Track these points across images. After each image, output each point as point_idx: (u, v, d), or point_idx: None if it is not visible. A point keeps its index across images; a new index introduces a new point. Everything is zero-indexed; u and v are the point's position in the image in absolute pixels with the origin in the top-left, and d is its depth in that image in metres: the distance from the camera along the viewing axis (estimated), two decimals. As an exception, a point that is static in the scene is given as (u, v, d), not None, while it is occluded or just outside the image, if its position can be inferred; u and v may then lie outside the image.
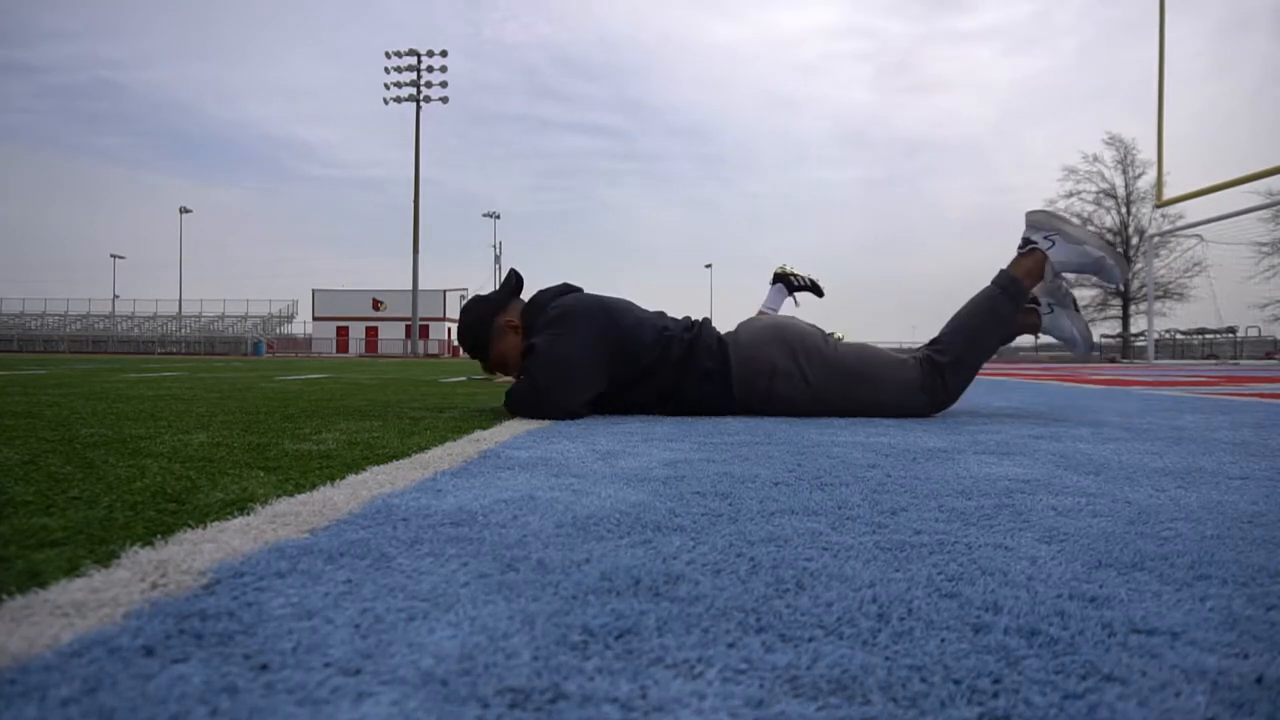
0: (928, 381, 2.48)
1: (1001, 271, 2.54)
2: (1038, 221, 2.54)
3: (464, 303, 2.68)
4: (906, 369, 2.50)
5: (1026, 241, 2.53)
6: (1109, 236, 35.88)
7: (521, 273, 2.66)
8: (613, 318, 2.45)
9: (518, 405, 2.38)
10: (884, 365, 2.52)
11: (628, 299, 2.63)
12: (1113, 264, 2.49)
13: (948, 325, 2.56)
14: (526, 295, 2.66)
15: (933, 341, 2.57)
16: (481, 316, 2.57)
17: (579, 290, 2.63)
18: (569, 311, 2.42)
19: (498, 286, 2.66)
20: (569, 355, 2.35)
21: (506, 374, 2.61)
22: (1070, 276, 2.62)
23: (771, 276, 3.30)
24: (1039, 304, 2.63)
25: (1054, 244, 2.49)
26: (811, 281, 3.25)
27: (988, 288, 2.53)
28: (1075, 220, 2.35)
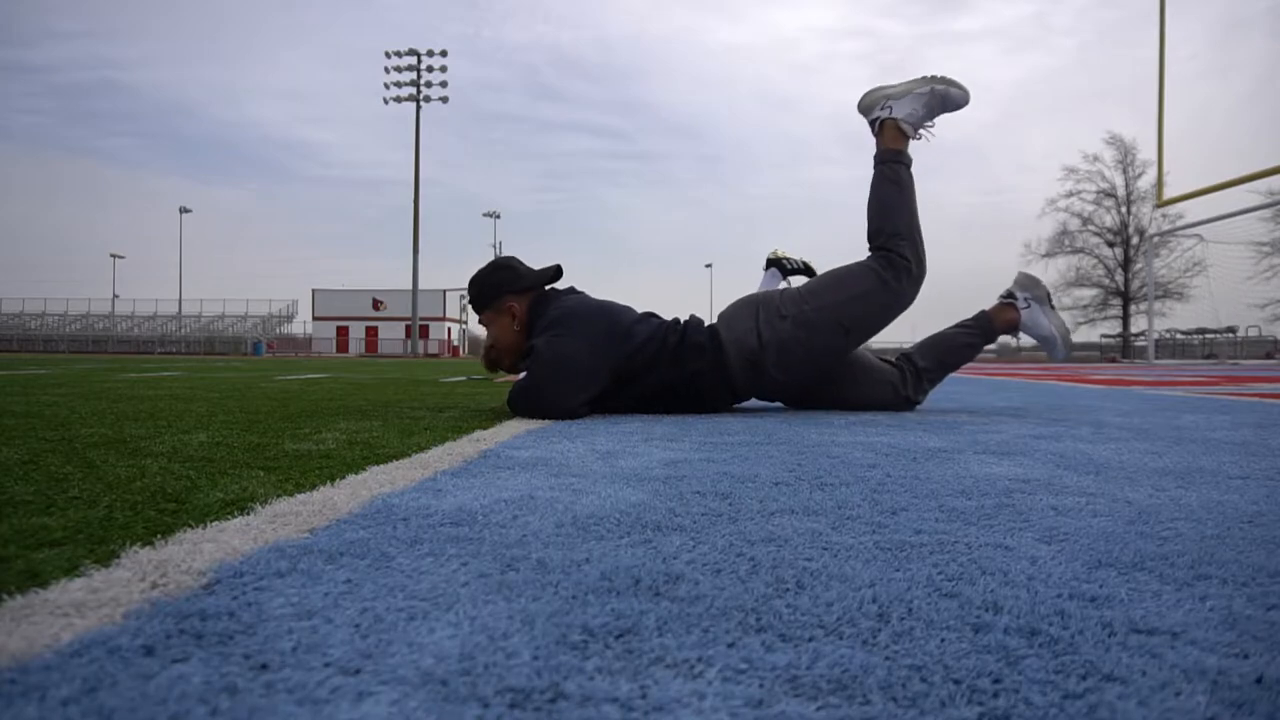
0: (888, 274, 2.63)
1: (981, 312, 2.88)
2: (1026, 284, 2.86)
3: (499, 256, 2.72)
4: (867, 274, 2.64)
5: (1010, 294, 2.85)
6: (1109, 236, 36.15)
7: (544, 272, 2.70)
8: (612, 319, 2.52)
9: (519, 404, 2.41)
10: (845, 273, 2.68)
11: (622, 303, 2.70)
12: (1061, 350, 2.83)
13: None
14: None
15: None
16: (497, 284, 2.62)
17: (583, 294, 2.69)
18: (570, 313, 2.48)
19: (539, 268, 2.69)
20: (569, 356, 2.39)
21: (499, 363, 2.65)
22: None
23: (765, 262, 3.31)
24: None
25: (1029, 308, 2.83)
26: (804, 264, 3.26)
27: (966, 330, 2.86)
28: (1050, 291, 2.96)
